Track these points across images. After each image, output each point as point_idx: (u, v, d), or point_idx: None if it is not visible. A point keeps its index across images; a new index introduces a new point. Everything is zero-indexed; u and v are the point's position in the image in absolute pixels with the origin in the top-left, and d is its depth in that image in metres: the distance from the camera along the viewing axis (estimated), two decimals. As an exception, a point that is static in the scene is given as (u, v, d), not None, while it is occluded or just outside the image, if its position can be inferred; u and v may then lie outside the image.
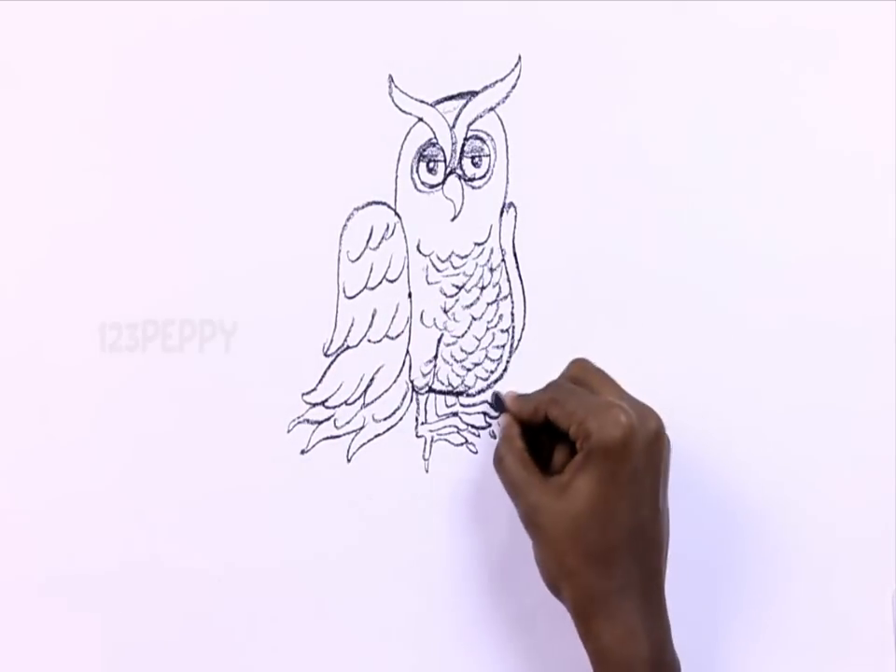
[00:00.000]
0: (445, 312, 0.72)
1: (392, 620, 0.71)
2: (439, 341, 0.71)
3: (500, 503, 0.70)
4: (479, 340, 0.71)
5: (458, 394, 0.72)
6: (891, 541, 0.72)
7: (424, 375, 0.71)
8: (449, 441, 0.71)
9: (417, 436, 0.71)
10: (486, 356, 0.71)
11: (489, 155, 0.71)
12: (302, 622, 0.71)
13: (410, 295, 0.71)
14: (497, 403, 0.70)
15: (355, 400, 0.71)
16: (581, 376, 0.67)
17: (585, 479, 0.62)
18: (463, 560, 0.71)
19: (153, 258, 0.72)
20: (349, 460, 0.71)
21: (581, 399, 0.64)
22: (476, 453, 0.71)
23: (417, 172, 0.71)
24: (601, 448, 0.61)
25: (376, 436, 0.71)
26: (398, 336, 0.71)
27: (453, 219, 0.71)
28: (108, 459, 0.71)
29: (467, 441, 0.71)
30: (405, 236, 0.71)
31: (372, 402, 0.71)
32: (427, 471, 0.71)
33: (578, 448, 0.63)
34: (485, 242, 0.72)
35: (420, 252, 0.71)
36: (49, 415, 0.71)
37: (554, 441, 0.66)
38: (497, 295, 0.72)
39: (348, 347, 0.71)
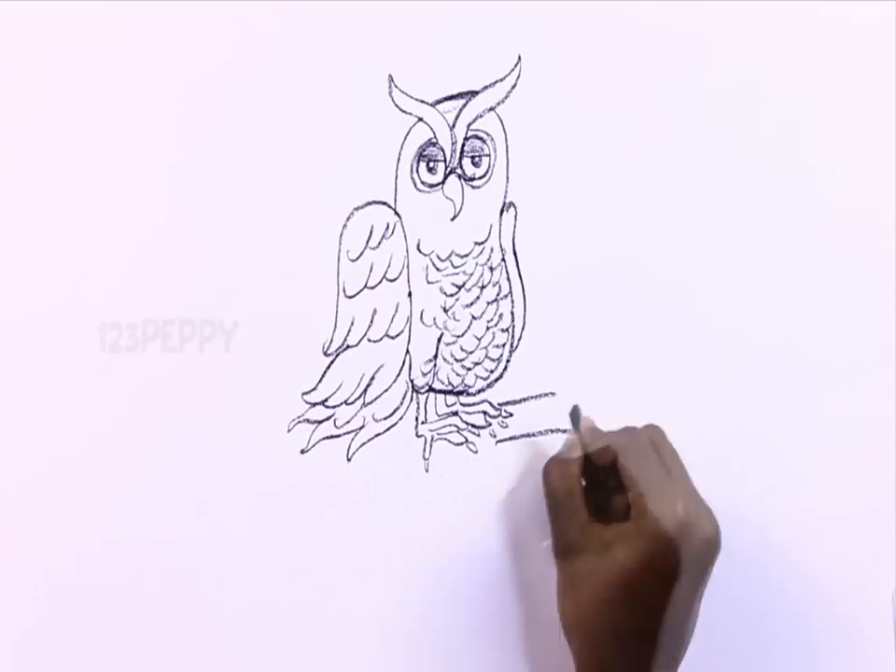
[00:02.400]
0: (445, 311, 0.72)
1: (392, 619, 0.71)
2: (439, 340, 0.72)
3: (500, 503, 0.70)
4: (479, 339, 0.71)
5: (458, 393, 0.72)
6: (891, 541, 0.72)
7: (424, 375, 0.72)
8: (449, 441, 0.71)
9: (417, 435, 0.71)
10: (486, 355, 0.71)
11: (489, 155, 0.71)
12: (302, 621, 0.71)
13: (410, 294, 0.71)
14: (574, 419, 0.69)
15: (355, 400, 0.71)
16: (658, 443, 0.67)
17: (628, 551, 0.61)
18: (463, 559, 0.71)
19: (153, 258, 0.71)
20: (349, 460, 0.71)
21: (651, 466, 0.64)
22: (476, 452, 0.71)
23: (417, 171, 0.71)
24: (651, 532, 0.61)
25: (376, 435, 0.71)
26: (398, 335, 0.71)
27: (453, 219, 0.71)
28: (108, 459, 0.71)
29: (467, 440, 0.71)
30: (405, 236, 0.71)
31: (372, 402, 0.71)
32: (426, 471, 0.71)
33: (632, 515, 0.62)
34: (485, 241, 0.72)
35: (420, 251, 0.71)
36: (48, 416, 0.71)
37: (613, 482, 0.65)
38: (497, 294, 0.72)
39: (348, 347, 0.71)
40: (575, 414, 0.69)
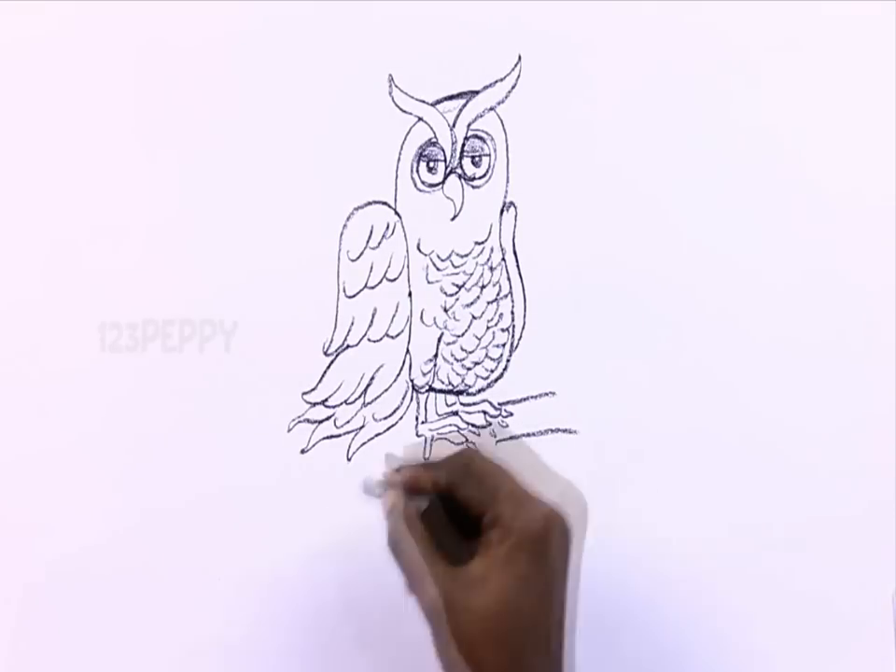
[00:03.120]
0: (445, 311, 0.72)
1: (391, 619, 0.71)
2: (439, 340, 0.72)
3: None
4: (479, 339, 0.71)
5: (458, 393, 0.72)
6: (891, 541, 0.71)
7: (424, 374, 0.72)
8: (449, 441, 0.71)
9: (417, 435, 0.71)
10: (486, 354, 0.71)
11: (489, 154, 0.71)
12: (302, 621, 0.71)
13: (410, 294, 0.71)
14: (372, 487, 0.68)
15: (355, 400, 0.71)
16: (477, 463, 0.65)
17: (504, 575, 0.60)
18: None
19: (153, 258, 0.72)
20: (349, 459, 0.71)
21: (495, 482, 0.63)
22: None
23: (417, 171, 0.71)
24: (522, 542, 0.60)
25: (376, 435, 0.71)
26: (398, 335, 0.71)
27: (453, 219, 0.71)
28: (108, 459, 0.71)
29: (467, 439, 0.71)
30: (405, 235, 0.71)
31: (373, 401, 0.71)
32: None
33: (489, 538, 0.61)
34: (485, 241, 0.72)
35: (420, 251, 0.71)
36: (48, 415, 0.71)
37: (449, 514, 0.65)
38: (498, 294, 0.72)
39: (348, 346, 0.71)
40: (368, 486, 0.68)
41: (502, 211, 0.72)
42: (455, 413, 0.72)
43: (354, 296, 0.71)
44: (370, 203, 0.71)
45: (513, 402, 0.72)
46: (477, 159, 0.71)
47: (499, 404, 0.72)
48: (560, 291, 0.72)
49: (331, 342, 0.71)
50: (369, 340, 0.71)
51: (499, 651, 0.59)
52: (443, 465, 0.66)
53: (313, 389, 0.71)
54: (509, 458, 0.67)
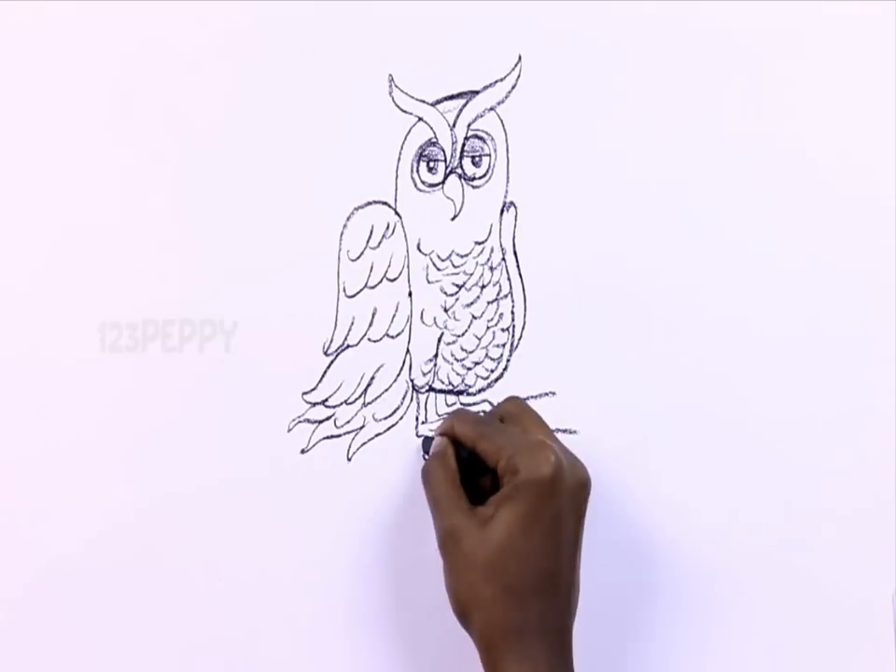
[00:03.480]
0: (445, 311, 0.72)
1: (391, 619, 0.71)
2: (439, 339, 0.72)
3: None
4: (479, 338, 0.71)
5: (459, 393, 0.72)
6: (891, 541, 0.71)
7: (424, 374, 0.71)
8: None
9: (417, 435, 0.71)
10: (487, 354, 0.71)
11: (489, 154, 0.71)
12: (302, 620, 0.71)
13: (410, 294, 0.71)
14: (428, 444, 0.70)
15: (355, 400, 0.71)
16: (515, 413, 0.68)
17: (509, 512, 0.61)
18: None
19: (153, 258, 0.72)
20: (349, 459, 0.71)
21: (511, 435, 0.65)
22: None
23: (417, 171, 0.71)
24: (528, 483, 0.61)
25: (376, 435, 0.71)
26: (398, 335, 0.71)
27: (453, 218, 0.71)
28: (108, 459, 0.71)
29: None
30: (405, 235, 0.71)
31: (373, 401, 0.71)
32: (427, 471, 0.71)
33: (504, 483, 0.63)
34: (485, 241, 0.72)
35: (420, 251, 0.71)
36: (48, 415, 0.71)
37: (482, 477, 0.66)
38: (498, 294, 0.72)
39: (348, 346, 0.71)
40: (428, 443, 0.70)
41: (502, 211, 0.72)
42: (456, 413, 0.72)
43: (354, 296, 0.71)
44: (370, 203, 0.71)
45: (513, 402, 0.72)
46: (477, 159, 0.71)
47: (500, 404, 0.72)
48: (560, 291, 0.72)
49: (331, 341, 0.71)
50: (369, 340, 0.71)
51: (499, 586, 0.61)
52: (479, 422, 0.67)
53: (313, 389, 0.71)
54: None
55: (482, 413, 0.70)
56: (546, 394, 0.72)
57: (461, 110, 0.71)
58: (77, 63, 0.71)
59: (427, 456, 0.70)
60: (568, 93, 0.72)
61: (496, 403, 0.71)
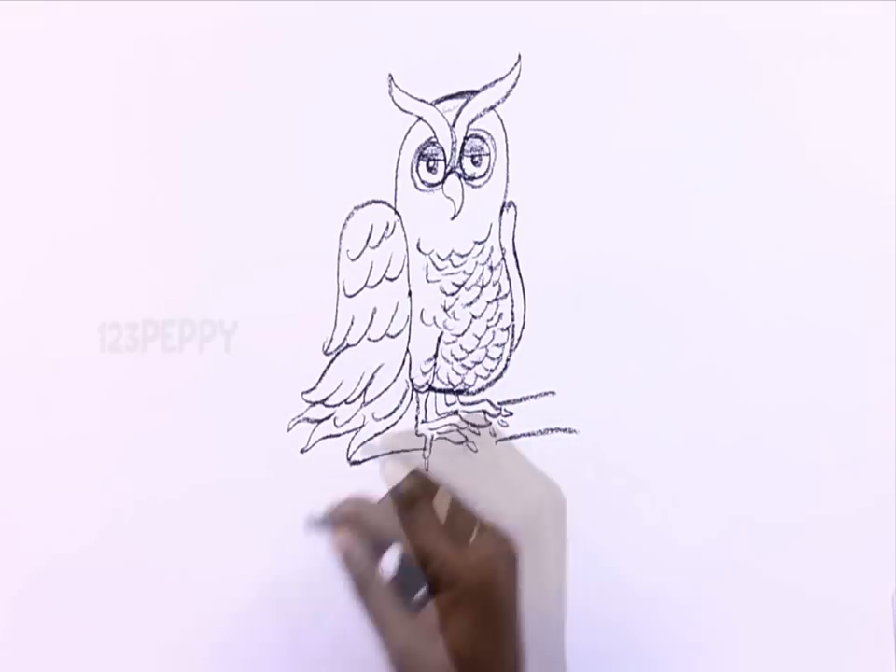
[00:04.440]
0: (445, 310, 0.72)
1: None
2: (439, 339, 0.72)
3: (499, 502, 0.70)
4: (479, 338, 0.71)
5: (458, 392, 0.72)
6: (891, 541, 0.72)
7: (424, 374, 0.72)
8: (449, 440, 0.71)
9: (417, 434, 0.71)
10: (486, 354, 0.71)
11: (489, 154, 0.71)
12: (302, 620, 0.71)
13: (410, 293, 0.71)
14: (317, 523, 0.68)
15: (355, 399, 0.71)
16: (419, 494, 0.66)
17: (461, 623, 0.60)
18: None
19: (153, 258, 0.72)
20: (349, 459, 0.71)
21: (435, 532, 0.63)
22: (476, 451, 0.71)
23: (417, 171, 0.71)
24: (471, 589, 0.60)
25: (376, 434, 0.71)
26: (398, 334, 0.71)
27: (453, 218, 0.72)
28: (108, 459, 0.71)
29: (467, 439, 0.71)
30: (405, 235, 0.71)
31: (372, 401, 0.71)
32: (426, 470, 0.71)
33: (438, 584, 0.61)
34: (485, 240, 0.72)
35: (420, 251, 0.71)
36: (48, 415, 0.71)
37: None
38: (497, 293, 0.72)
39: (348, 346, 0.71)
40: (315, 523, 0.68)
41: (502, 210, 0.72)
42: (455, 413, 0.72)
43: (354, 295, 0.71)
44: (369, 203, 0.71)
45: (513, 402, 0.72)
46: (477, 158, 0.71)
47: (499, 404, 0.72)
48: (560, 291, 0.72)
49: (331, 341, 0.71)
50: (368, 339, 0.71)
51: None
52: (379, 510, 0.66)
53: (312, 389, 0.71)
54: (487, 457, 0.66)
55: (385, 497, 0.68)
56: (546, 394, 0.72)
57: (461, 110, 0.71)
58: (77, 64, 0.71)
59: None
60: (568, 93, 0.72)
61: (496, 403, 0.71)
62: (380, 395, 0.71)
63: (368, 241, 0.71)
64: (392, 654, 0.62)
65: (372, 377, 0.71)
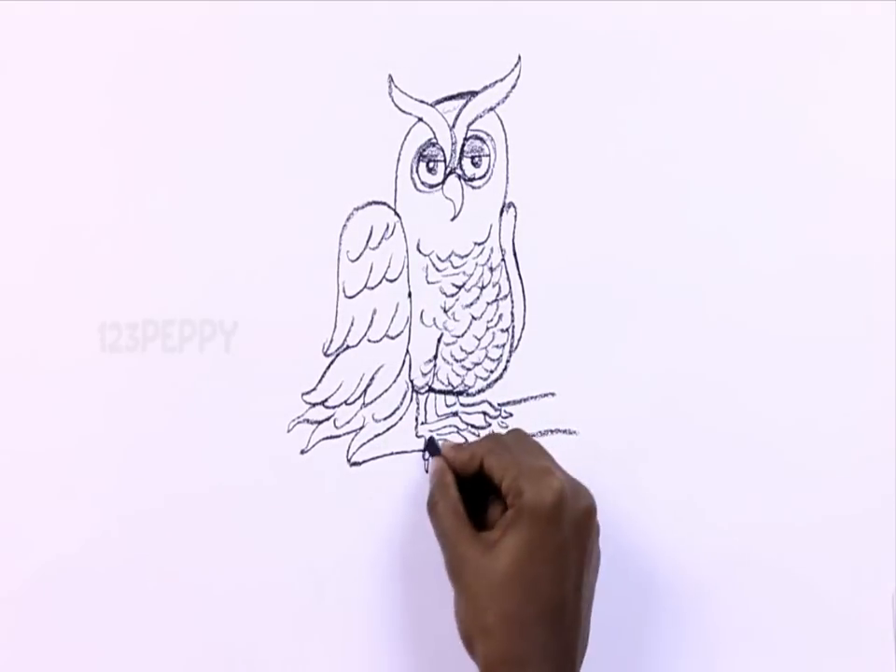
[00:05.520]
0: (445, 311, 0.72)
1: (391, 619, 0.71)
2: (439, 340, 0.72)
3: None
4: (479, 339, 0.71)
5: (458, 393, 0.72)
6: (891, 541, 0.72)
7: (424, 375, 0.72)
8: (449, 441, 0.71)
9: (417, 436, 0.71)
10: (486, 355, 0.71)
11: (489, 155, 0.71)
12: (302, 620, 0.71)
13: (410, 294, 0.71)
14: (432, 446, 0.70)
15: (355, 400, 0.71)
16: (519, 439, 0.67)
17: (513, 539, 0.61)
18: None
19: (153, 258, 0.72)
20: (349, 460, 0.71)
21: (518, 456, 0.64)
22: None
23: (417, 172, 0.71)
24: (532, 508, 0.61)
25: (376, 436, 0.71)
26: (397, 336, 0.71)
27: (452, 219, 0.71)
28: (108, 459, 0.71)
29: (466, 440, 0.71)
30: (405, 236, 0.71)
31: (372, 402, 0.71)
32: (427, 471, 0.71)
33: (509, 505, 0.62)
34: (485, 241, 0.72)
35: (420, 252, 0.71)
36: (48, 415, 0.71)
37: (489, 495, 0.66)
38: (497, 294, 0.72)
39: (348, 347, 0.71)
40: (431, 442, 0.70)
41: (502, 211, 0.71)
42: (455, 414, 0.72)
43: (354, 296, 0.71)
44: (369, 204, 0.71)
45: (513, 403, 0.72)
46: (477, 159, 0.71)
47: (499, 405, 0.72)
48: (560, 292, 0.72)
49: (331, 342, 0.71)
50: (368, 340, 0.71)
51: (501, 614, 0.61)
52: (475, 445, 0.68)
53: (312, 390, 0.71)
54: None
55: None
56: (546, 394, 0.72)
57: (461, 110, 0.71)
58: (77, 64, 0.71)
59: (427, 456, 0.70)
60: (568, 94, 0.72)
61: (496, 404, 0.71)
62: (380, 396, 0.71)
63: (368, 242, 0.71)
64: (448, 564, 0.64)
65: (372, 378, 0.71)
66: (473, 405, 0.72)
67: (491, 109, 0.71)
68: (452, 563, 0.64)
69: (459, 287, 0.72)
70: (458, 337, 0.72)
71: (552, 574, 0.61)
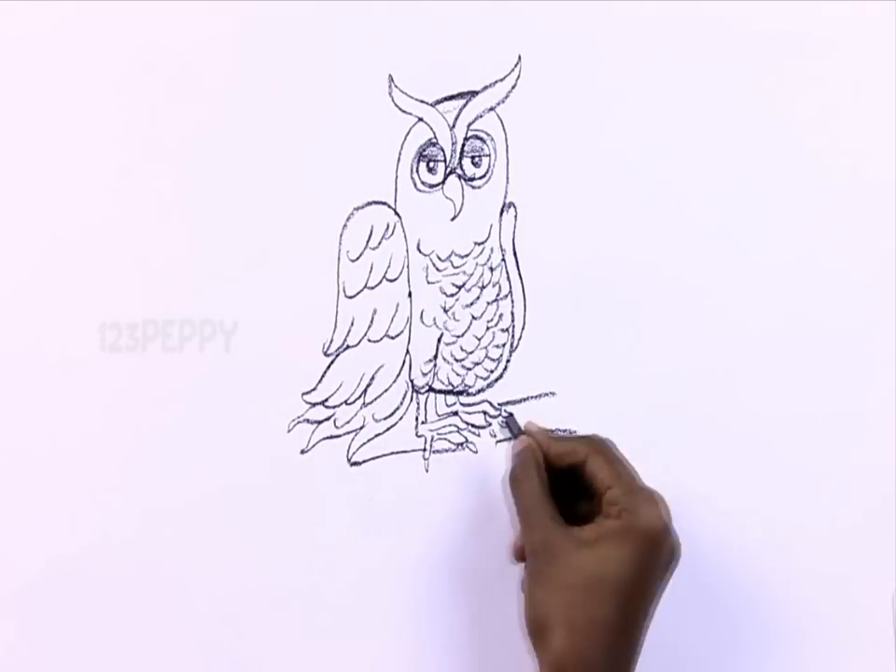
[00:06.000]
0: (445, 311, 0.72)
1: (391, 619, 0.71)
2: (439, 340, 0.72)
3: (500, 503, 0.70)
4: (479, 339, 0.71)
5: (458, 393, 0.72)
6: (891, 541, 0.71)
7: (424, 375, 0.72)
8: (449, 441, 0.71)
9: (417, 435, 0.71)
10: (486, 355, 0.71)
11: (489, 155, 0.71)
12: (302, 620, 0.71)
13: (410, 294, 0.71)
14: (512, 426, 0.69)
15: (355, 400, 0.71)
16: (620, 455, 0.66)
17: (616, 548, 0.61)
18: (462, 559, 0.71)
19: (153, 258, 0.72)
20: (349, 460, 0.71)
21: (628, 470, 0.64)
22: (476, 452, 0.71)
23: (417, 171, 0.71)
24: (644, 530, 0.61)
25: (376, 435, 0.71)
26: (398, 335, 0.71)
27: (453, 219, 0.71)
28: (108, 459, 0.71)
29: (467, 440, 0.71)
30: (405, 236, 0.71)
31: (372, 402, 0.71)
32: (427, 471, 0.71)
33: (611, 515, 0.62)
34: (485, 241, 0.72)
35: (420, 251, 0.71)
36: (48, 415, 0.71)
37: (571, 489, 0.65)
38: (497, 294, 0.72)
39: (348, 347, 0.71)
40: (512, 422, 0.69)
41: (502, 211, 0.72)
42: (455, 414, 0.72)
43: (354, 296, 0.71)
44: (370, 204, 0.71)
45: (513, 402, 0.72)
46: (477, 159, 0.71)
47: (499, 404, 0.72)
48: (560, 292, 0.72)
49: (331, 342, 0.71)
50: (369, 340, 0.71)
51: (586, 615, 0.60)
52: (580, 440, 0.67)
53: (313, 389, 0.71)
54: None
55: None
56: (546, 394, 0.72)
57: (461, 110, 0.71)
58: (78, 65, 0.71)
59: (503, 430, 0.70)
60: (568, 93, 0.72)
61: (496, 404, 0.71)
62: (380, 396, 0.71)
63: (368, 242, 0.71)
64: (532, 545, 0.63)
65: (373, 378, 0.71)
66: (473, 405, 0.72)
67: (491, 109, 0.71)
68: (538, 546, 0.62)
69: (459, 287, 0.72)
70: (458, 337, 0.72)
71: (641, 593, 0.61)
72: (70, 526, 0.71)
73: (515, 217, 0.72)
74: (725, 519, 0.72)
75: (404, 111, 0.71)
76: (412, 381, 0.71)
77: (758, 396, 0.72)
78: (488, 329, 0.72)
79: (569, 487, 0.65)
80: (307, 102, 0.71)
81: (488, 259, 0.72)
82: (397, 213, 0.71)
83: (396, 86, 0.71)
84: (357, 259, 0.71)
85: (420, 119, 0.71)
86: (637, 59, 0.72)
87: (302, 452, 0.71)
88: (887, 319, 0.72)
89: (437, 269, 0.71)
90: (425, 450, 0.71)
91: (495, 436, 0.71)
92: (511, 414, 0.70)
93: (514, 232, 0.72)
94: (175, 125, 0.71)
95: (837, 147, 0.72)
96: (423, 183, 0.71)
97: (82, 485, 0.71)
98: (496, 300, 0.72)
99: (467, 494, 0.71)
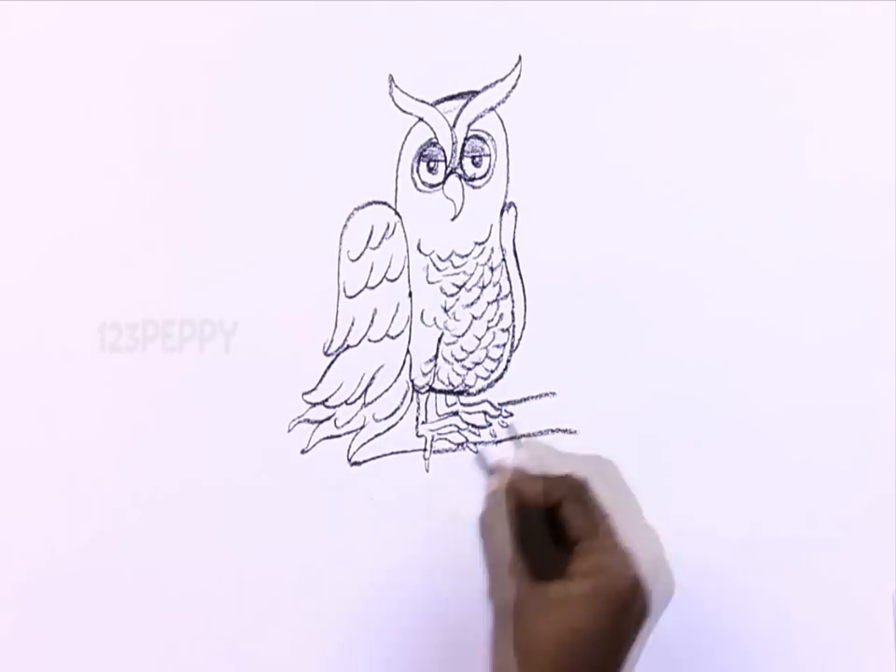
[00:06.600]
0: (446, 311, 0.72)
1: (391, 618, 0.71)
2: (439, 340, 0.72)
3: (501, 503, 0.70)
4: (479, 339, 0.71)
5: (459, 393, 0.72)
6: (891, 541, 0.71)
7: (424, 374, 0.72)
8: (449, 440, 0.71)
9: (418, 435, 0.71)
10: (487, 355, 0.71)
11: (489, 155, 0.71)
12: (302, 620, 0.71)
13: (410, 294, 0.71)
14: (482, 464, 0.62)
15: (355, 400, 0.71)
16: (589, 495, 0.60)
17: (586, 610, 0.57)
18: (462, 559, 0.71)
19: (153, 258, 0.72)
20: (350, 459, 0.71)
21: (604, 520, 0.59)
22: (476, 452, 0.71)
23: (418, 171, 0.71)
24: (615, 592, 0.57)
25: (376, 435, 0.71)
26: (398, 335, 0.71)
27: (453, 219, 0.72)
28: (108, 459, 0.71)
29: (467, 440, 0.71)
30: (405, 236, 0.71)
31: (373, 402, 0.71)
32: (427, 471, 0.71)
33: (577, 565, 0.58)
34: (486, 241, 0.72)
35: (420, 251, 0.71)
36: (48, 415, 0.71)
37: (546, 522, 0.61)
38: (498, 294, 0.72)
39: (348, 347, 0.71)
40: (481, 460, 0.61)
41: (502, 211, 0.72)
42: (456, 414, 0.72)
43: (354, 296, 0.71)
44: (370, 204, 0.71)
45: (514, 402, 0.72)
46: (477, 159, 0.71)
47: (500, 404, 0.72)
48: (560, 291, 0.72)
49: (331, 342, 0.71)
50: (369, 340, 0.71)
51: None
52: (556, 481, 0.60)
53: (313, 389, 0.71)
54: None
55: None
56: (546, 394, 0.72)
57: (461, 110, 0.71)
58: (79, 65, 0.72)
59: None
60: (568, 93, 0.72)
61: (496, 403, 0.71)
62: (380, 396, 0.71)
63: (368, 242, 0.71)
64: (498, 602, 0.59)
65: (373, 378, 0.71)
66: (474, 405, 0.72)
67: (491, 109, 0.71)
68: (504, 606, 0.59)
69: (460, 287, 0.72)
70: (459, 336, 0.72)
71: (613, 652, 0.58)
72: (70, 525, 0.71)
73: (516, 216, 0.72)
74: (725, 518, 0.72)
75: (404, 111, 0.71)
76: (412, 381, 0.71)
77: (758, 396, 0.72)
78: (488, 328, 0.72)
79: (553, 523, 0.61)
80: (308, 102, 0.71)
81: (488, 259, 0.72)
82: (397, 213, 0.71)
83: (396, 86, 0.71)
84: (358, 258, 0.71)
85: (420, 119, 0.71)
86: (638, 59, 0.72)
87: (303, 452, 0.71)
88: (886, 319, 0.72)
89: (437, 269, 0.71)
90: (425, 450, 0.71)
91: (495, 436, 0.71)
92: (478, 452, 0.68)
93: (515, 232, 0.72)
94: (176, 125, 0.71)
95: (837, 147, 0.72)
96: (423, 183, 0.71)
97: (82, 485, 0.71)
98: (496, 299, 0.72)
99: (467, 494, 0.71)
